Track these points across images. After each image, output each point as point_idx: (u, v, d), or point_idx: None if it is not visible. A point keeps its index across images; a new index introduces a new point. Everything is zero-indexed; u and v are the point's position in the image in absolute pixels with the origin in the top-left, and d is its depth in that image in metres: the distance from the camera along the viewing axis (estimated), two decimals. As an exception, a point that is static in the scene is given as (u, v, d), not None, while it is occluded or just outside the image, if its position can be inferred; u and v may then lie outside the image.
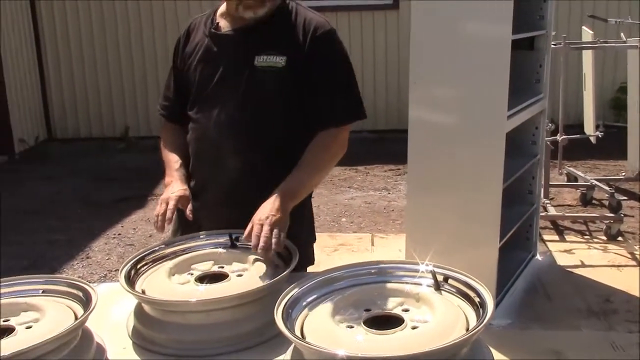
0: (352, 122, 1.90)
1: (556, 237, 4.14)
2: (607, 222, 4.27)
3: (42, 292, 1.46)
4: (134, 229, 4.81)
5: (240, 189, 1.88)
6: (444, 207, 2.97)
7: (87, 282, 1.46)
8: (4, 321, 1.37)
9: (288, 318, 1.28)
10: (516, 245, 3.29)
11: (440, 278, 1.37)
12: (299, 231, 1.95)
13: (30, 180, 6.34)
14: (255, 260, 1.62)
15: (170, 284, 1.53)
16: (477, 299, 1.28)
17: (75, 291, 1.44)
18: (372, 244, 3.97)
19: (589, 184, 4.93)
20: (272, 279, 1.50)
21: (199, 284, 1.53)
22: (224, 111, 1.87)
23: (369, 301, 1.33)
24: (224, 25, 1.92)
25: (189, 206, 1.84)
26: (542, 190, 3.87)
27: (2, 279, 1.49)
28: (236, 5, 1.86)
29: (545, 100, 3.83)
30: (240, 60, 1.86)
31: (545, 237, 3.95)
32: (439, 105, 2.83)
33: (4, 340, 1.27)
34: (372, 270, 1.42)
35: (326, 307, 1.30)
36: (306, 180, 1.84)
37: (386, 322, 1.27)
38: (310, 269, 2.00)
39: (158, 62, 7.93)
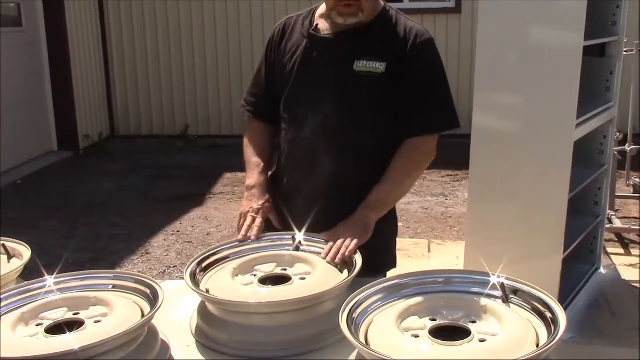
0: (445, 130, 1.92)
1: (621, 251, 4.00)
2: (676, 236, 4.11)
3: (112, 288, 1.49)
4: (192, 226, 4.89)
5: (333, 193, 1.89)
6: (506, 216, 2.91)
7: (154, 280, 1.48)
8: (73, 314, 1.41)
9: (352, 324, 1.27)
10: (579, 258, 3.20)
11: (508, 290, 1.33)
12: (383, 232, 1.95)
13: (93, 176, 6.53)
14: (318, 263, 1.61)
15: (234, 285, 1.54)
16: (548, 314, 1.24)
17: (142, 288, 1.47)
18: (429, 250, 3.93)
19: (657, 196, 4.75)
20: (335, 284, 1.50)
21: (262, 285, 1.54)
22: (321, 113, 1.88)
23: (435, 310, 1.31)
24: (323, 27, 1.92)
25: (275, 215, 1.90)
26: (608, 201, 3.74)
27: (74, 273, 1.53)
28: (330, 10, 1.88)
29: (615, 109, 3.70)
30: (339, 64, 1.87)
31: (610, 250, 3.83)
32: (505, 111, 2.78)
33: (75, 334, 1.30)
34: (439, 279, 1.39)
35: (391, 315, 1.29)
36: (393, 192, 1.88)
37: (452, 333, 1.24)
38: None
39: (219, 62, 8.05)
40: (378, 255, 1.85)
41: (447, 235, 4.42)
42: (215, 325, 1.49)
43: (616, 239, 4.12)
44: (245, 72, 7.99)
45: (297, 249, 1.73)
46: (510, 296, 1.33)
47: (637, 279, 3.67)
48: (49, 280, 1.50)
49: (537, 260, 2.94)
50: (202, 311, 1.54)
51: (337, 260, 1.61)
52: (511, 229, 2.90)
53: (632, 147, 4.37)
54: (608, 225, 4.13)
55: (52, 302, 1.44)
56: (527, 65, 2.78)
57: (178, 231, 4.78)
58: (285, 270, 1.62)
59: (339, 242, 1.65)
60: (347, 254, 1.62)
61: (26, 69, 7.01)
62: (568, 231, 3.00)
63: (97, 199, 5.73)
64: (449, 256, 3.84)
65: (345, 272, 1.60)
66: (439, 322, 1.27)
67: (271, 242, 1.77)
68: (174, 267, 4.09)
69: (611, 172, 3.78)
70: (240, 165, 6.70)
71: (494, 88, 2.82)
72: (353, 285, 1.47)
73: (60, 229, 4.97)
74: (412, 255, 3.85)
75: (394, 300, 1.35)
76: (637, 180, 4.83)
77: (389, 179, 1.85)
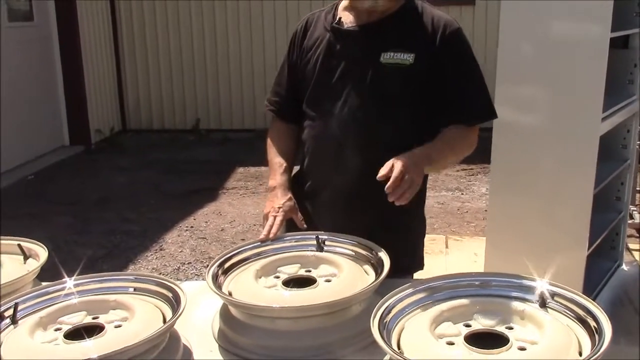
0: (485, 121, 1.86)
1: (644, 247, 3.92)
2: (699, 232, 4.02)
3: (133, 290, 1.45)
4: (206, 222, 4.85)
5: (360, 190, 1.82)
6: (528, 212, 2.85)
7: (176, 282, 1.44)
8: (93, 318, 1.37)
9: (384, 329, 1.22)
10: (601, 254, 3.13)
11: (548, 294, 1.28)
12: (410, 232, 1.90)
13: (105, 170, 6.51)
14: (343, 264, 1.56)
15: (257, 287, 1.49)
16: (591, 322, 1.18)
17: (164, 291, 1.42)
18: (447, 247, 3.87)
19: (678, 190, 4.64)
20: (362, 286, 1.45)
21: (286, 288, 1.49)
22: (347, 107, 1.82)
23: (470, 316, 1.25)
24: (347, 20, 1.87)
25: (299, 216, 1.84)
26: (630, 196, 3.66)
27: (93, 275, 1.49)
28: None
29: (637, 102, 3.62)
30: (365, 57, 1.81)
31: (631, 246, 3.75)
32: (528, 105, 2.71)
33: (94, 340, 1.26)
34: (475, 282, 1.34)
35: (424, 320, 1.23)
36: (443, 152, 1.78)
37: (489, 340, 1.19)
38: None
39: (230, 55, 8.01)
40: (404, 257, 1.80)
41: (464, 231, 4.36)
42: (239, 329, 1.44)
43: (637, 235, 4.04)
44: (257, 65, 7.95)
45: (321, 249, 1.68)
46: (549, 300, 1.28)
47: (660, 275, 3.59)
48: (68, 283, 1.46)
49: (561, 257, 2.88)
50: (225, 315, 1.50)
51: (402, 201, 1.56)
52: (534, 225, 2.84)
53: (655, 141, 4.27)
54: (630, 221, 4.05)
55: (71, 305, 1.40)
56: (551, 57, 2.72)
57: (192, 227, 4.74)
58: (310, 271, 1.57)
59: (398, 173, 1.56)
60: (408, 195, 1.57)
61: (37, 64, 6.98)
62: (591, 227, 2.93)
63: (110, 194, 5.70)
64: (466, 252, 3.78)
65: (372, 272, 1.55)
66: (474, 328, 1.22)
67: (295, 242, 1.71)
68: (188, 263, 4.06)
69: (634, 167, 3.70)
70: (252, 160, 6.67)
71: (517, 81, 2.76)
72: (380, 288, 1.42)
73: (73, 224, 4.95)
74: (429, 252, 3.79)
75: (427, 304, 1.30)
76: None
77: (436, 142, 1.77)
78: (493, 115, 1.88)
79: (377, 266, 1.55)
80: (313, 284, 1.50)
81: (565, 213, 2.80)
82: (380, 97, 1.80)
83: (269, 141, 2.01)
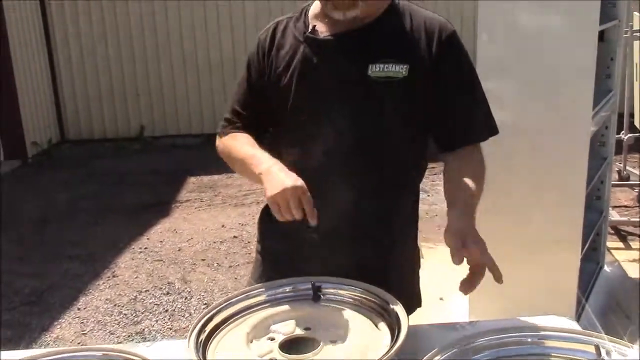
0: (488, 138, 1.61)
1: (620, 244, 3.82)
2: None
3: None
4: (161, 241, 4.51)
5: (350, 225, 1.56)
6: (517, 215, 2.68)
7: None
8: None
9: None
10: (584, 256, 3.01)
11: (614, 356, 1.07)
12: (404, 268, 1.69)
13: (44, 186, 6.08)
14: (349, 319, 1.32)
15: (250, 355, 1.24)
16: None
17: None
18: (422, 257, 3.67)
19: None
20: (375, 348, 1.21)
21: (285, 355, 1.24)
22: (332, 131, 1.54)
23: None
24: (322, 28, 1.60)
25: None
26: (610, 195, 3.54)
27: (56, 350, 1.21)
28: (324, 3, 1.56)
29: (617, 98, 3.50)
30: (350, 70, 1.54)
31: (609, 244, 3.65)
32: (513, 104, 2.54)
33: None
34: (527, 339, 1.11)
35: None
36: (475, 196, 1.50)
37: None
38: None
39: (172, 56, 7.65)
40: (402, 296, 1.55)
41: (436, 237, 4.17)
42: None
43: (612, 231, 3.94)
44: (202, 66, 7.61)
45: (317, 298, 1.43)
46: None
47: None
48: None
49: (555, 260, 2.74)
50: (214, 392, 1.24)
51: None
52: (523, 229, 2.67)
53: (630, 135, 4.18)
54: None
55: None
56: (535, 53, 2.54)
57: (146, 248, 4.39)
58: (309, 329, 1.33)
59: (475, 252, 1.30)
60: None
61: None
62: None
63: (52, 212, 5.29)
64: (444, 261, 3.59)
65: (383, 327, 1.31)
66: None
67: (288, 290, 1.46)
68: (145, 291, 3.73)
69: (612, 164, 3.59)
70: (204, 168, 6.30)
71: (498, 78, 2.58)
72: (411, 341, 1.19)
73: (11, 250, 4.53)
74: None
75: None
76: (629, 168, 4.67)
77: (462, 186, 1.50)
78: (496, 130, 1.66)
79: (387, 316, 1.32)
80: (315, 347, 1.25)
81: (557, 215, 2.65)
82: (370, 116, 1.55)
83: (224, 144, 1.68)
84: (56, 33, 7.63)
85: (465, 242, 1.31)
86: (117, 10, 7.57)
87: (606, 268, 3.75)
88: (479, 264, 1.30)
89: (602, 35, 3.01)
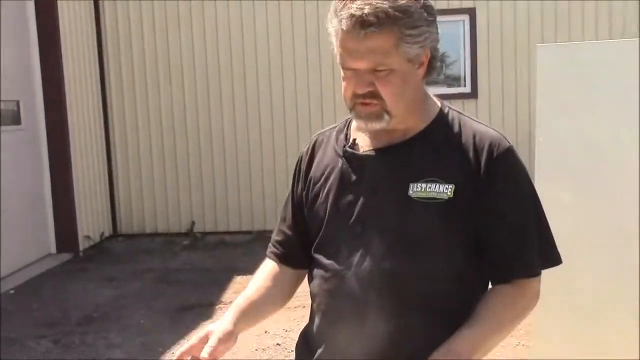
0: (541, 271, 1.45)
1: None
2: None
3: None
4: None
5: None
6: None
7: None
8: None
9: None
10: None
11: None
12: None
13: (92, 282, 6.05)
14: None
15: None
16: None
17: None
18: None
19: None
20: None
21: None
22: (369, 257, 1.41)
23: None
24: (363, 143, 1.49)
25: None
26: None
27: None
28: (350, 110, 1.45)
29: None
30: (389, 190, 1.42)
31: None
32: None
33: None
34: None
35: None
36: (486, 338, 1.37)
37: None
38: None
39: (226, 153, 7.72)
40: None
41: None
42: None
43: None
44: (254, 164, 7.65)
45: None
46: None
47: None
48: None
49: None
50: None
51: None
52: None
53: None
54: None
55: None
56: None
57: (185, 353, 4.22)
58: None
59: None
60: None
61: (25, 169, 6.66)
62: None
63: (96, 311, 5.22)
64: None
65: None
66: None
67: None
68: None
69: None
70: (251, 267, 6.17)
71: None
72: None
73: (53, 349, 4.44)
74: None
75: None
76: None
77: (477, 325, 1.37)
78: (558, 261, 1.49)
79: None
80: None
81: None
82: (410, 242, 1.40)
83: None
84: (115, 130, 7.83)
85: None
86: (174, 105, 7.75)
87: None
88: None
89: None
